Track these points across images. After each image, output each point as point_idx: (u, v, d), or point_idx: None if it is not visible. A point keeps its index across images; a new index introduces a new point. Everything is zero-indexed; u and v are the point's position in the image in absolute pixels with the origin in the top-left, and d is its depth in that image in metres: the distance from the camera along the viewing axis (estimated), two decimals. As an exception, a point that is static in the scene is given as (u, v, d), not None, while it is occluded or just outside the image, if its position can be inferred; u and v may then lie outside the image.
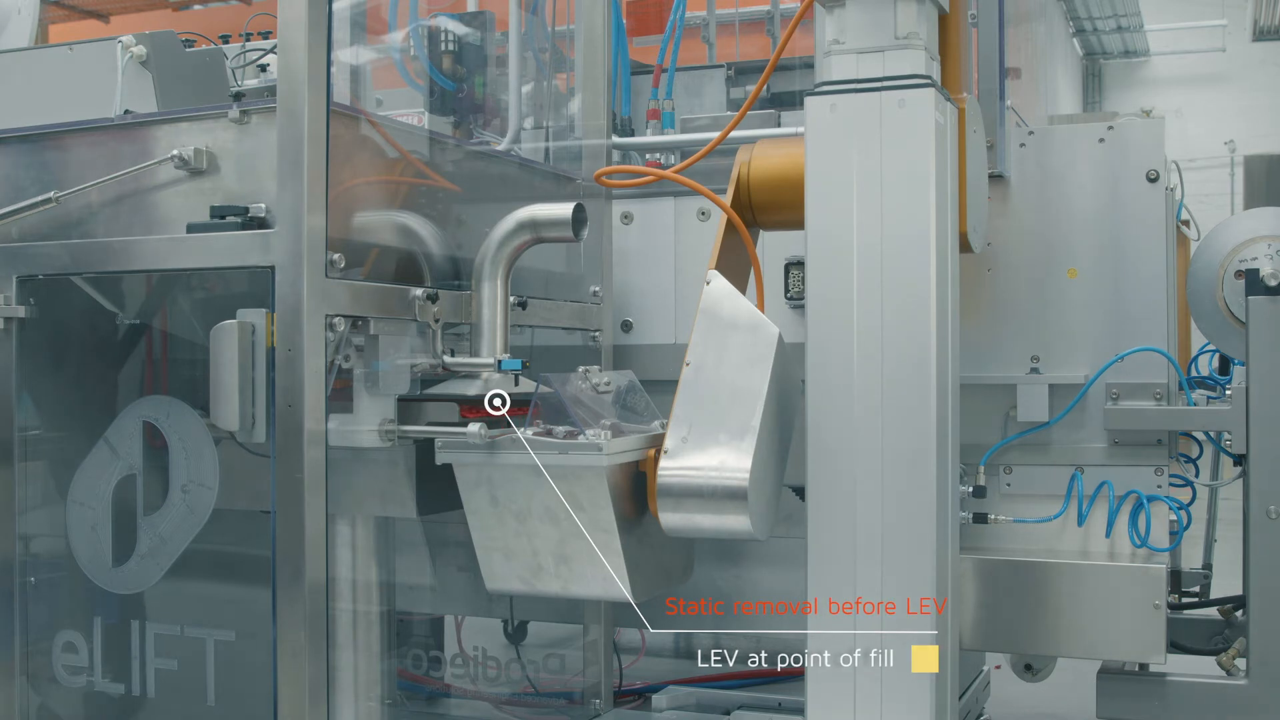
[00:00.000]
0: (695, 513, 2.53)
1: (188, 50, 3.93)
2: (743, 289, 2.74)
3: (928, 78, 2.48)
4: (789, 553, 3.52)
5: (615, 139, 3.39)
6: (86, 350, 2.72)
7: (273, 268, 2.25)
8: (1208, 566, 3.80)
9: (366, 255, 2.46)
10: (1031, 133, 3.35)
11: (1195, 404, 3.25)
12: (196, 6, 9.76)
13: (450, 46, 3.66)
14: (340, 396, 2.43)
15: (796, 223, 2.60)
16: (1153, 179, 3.24)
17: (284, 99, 2.25)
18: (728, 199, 2.82)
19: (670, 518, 2.54)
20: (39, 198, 2.50)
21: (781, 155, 2.81)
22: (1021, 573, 3.14)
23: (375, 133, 2.55)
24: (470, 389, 2.53)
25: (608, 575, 2.56)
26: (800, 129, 2.56)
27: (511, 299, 2.70)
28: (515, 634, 4.34)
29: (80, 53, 3.92)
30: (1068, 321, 3.26)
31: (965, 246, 2.79)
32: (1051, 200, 3.29)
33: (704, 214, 3.36)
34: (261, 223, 2.32)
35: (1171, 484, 3.24)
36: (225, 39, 4.20)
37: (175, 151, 2.39)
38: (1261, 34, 13.65)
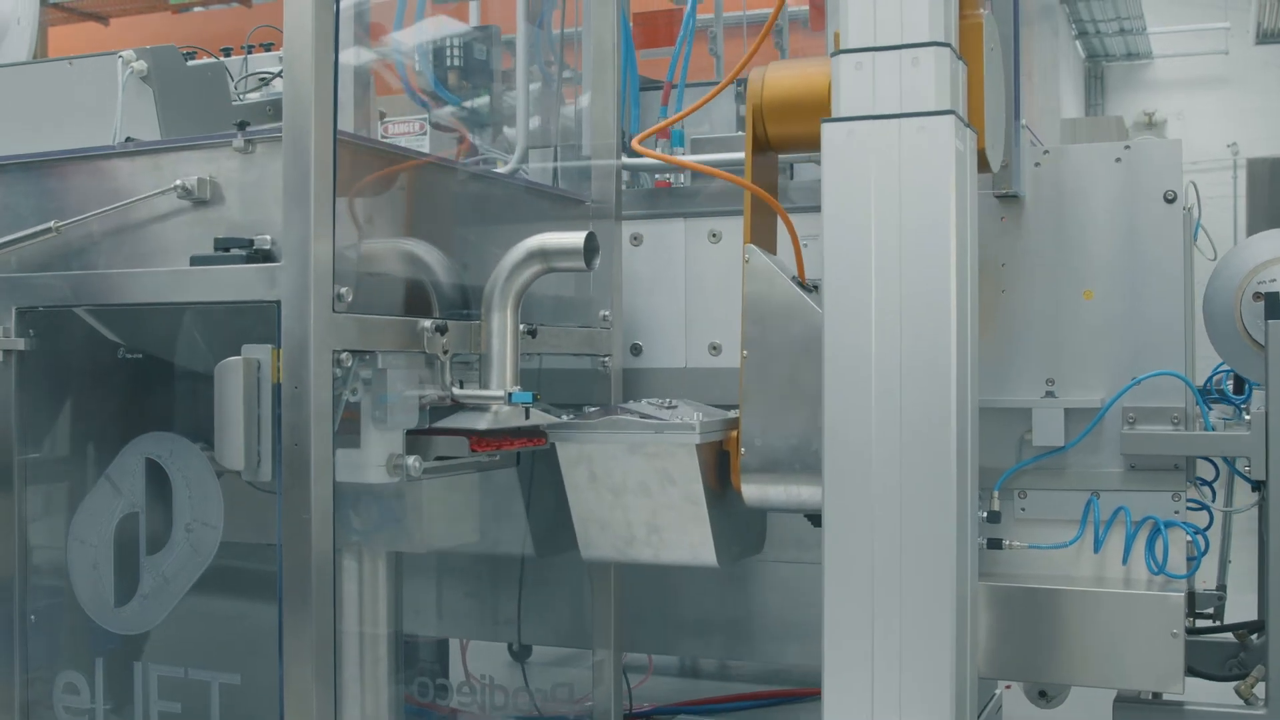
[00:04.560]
0: (772, 485, 2.79)
1: (189, 65, 3.87)
2: (772, 248, 2.84)
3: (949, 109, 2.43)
4: (800, 578, 3.49)
5: (625, 159, 3.34)
6: (88, 384, 2.67)
7: (278, 303, 2.19)
8: (1222, 588, 3.76)
9: (374, 287, 2.41)
10: (1047, 152, 3.30)
11: (1214, 428, 3.20)
12: (197, 9, 9.69)
13: (455, 61, 3.61)
14: (346, 428, 2.38)
15: (812, 140, 2.65)
16: (1170, 199, 3.19)
17: (290, 129, 2.20)
18: (746, 128, 2.84)
19: (751, 491, 2.80)
20: (39, 227, 2.44)
21: (794, 72, 2.83)
22: (1037, 600, 3.10)
23: (383, 161, 2.50)
24: (480, 422, 2.48)
25: (696, 544, 2.81)
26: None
27: (521, 327, 2.65)
28: (520, 652, 4.30)
29: (80, 67, 3.86)
30: (1083, 344, 3.21)
31: (984, 166, 2.74)
32: (1067, 220, 3.24)
33: (715, 236, 3.31)
34: (267, 255, 2.27)
35: (1188, 507, 3.20)
36: (227, 52, 4.14)
37: (178, 182, 2.34)
38: (1265, 37, 13.59)
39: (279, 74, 3.11)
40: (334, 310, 2.23)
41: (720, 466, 2.85)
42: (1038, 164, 3.28)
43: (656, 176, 3.61)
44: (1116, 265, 3.20)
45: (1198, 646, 3.36)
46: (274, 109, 4.14)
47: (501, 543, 3.24)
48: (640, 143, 2.96)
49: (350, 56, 3.82)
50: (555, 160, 3.37)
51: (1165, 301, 3.17)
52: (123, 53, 3.73)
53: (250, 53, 4.24)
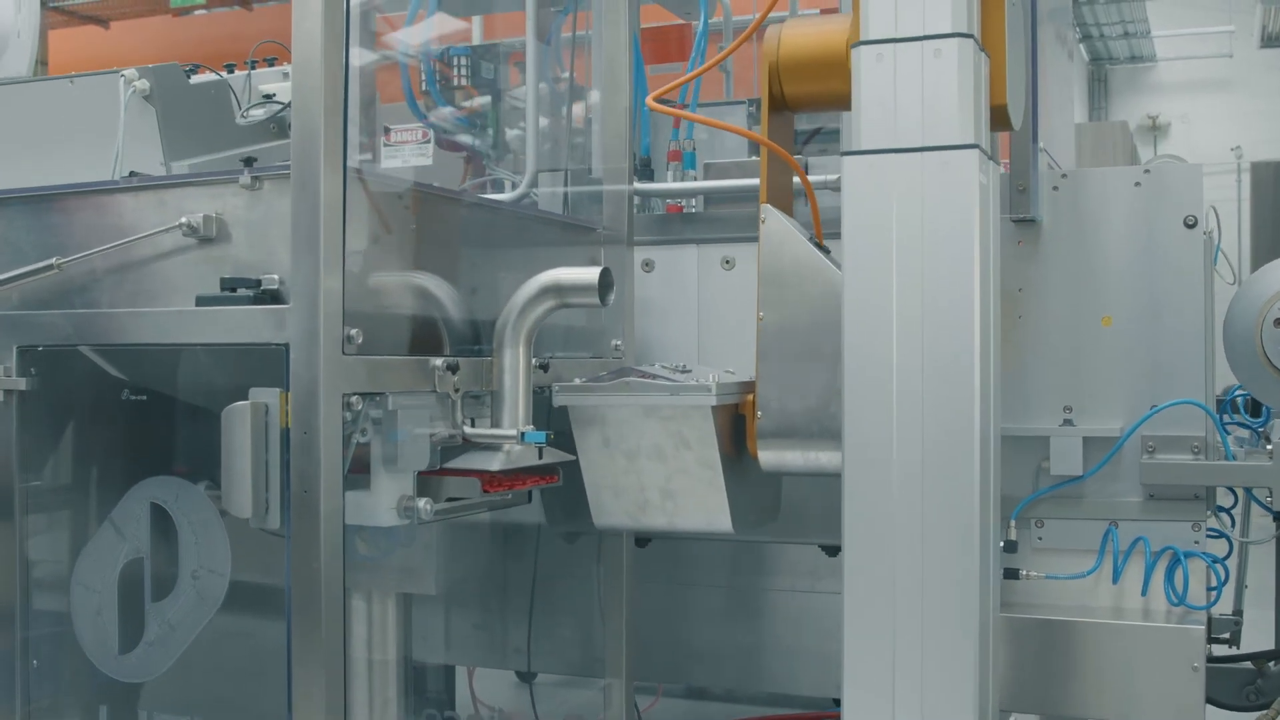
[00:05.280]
0: (789, 450, 2.73)
1: (192, 83, 3.82)
2: (788, 209, 2.79)
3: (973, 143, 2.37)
4: (812, 608, 3.45)
5: (637, 184, 3.28)
6: (91, 424, 2.61)
7: (287, 345, 2.14)
8: (1238, 613, 3.71)
9: (384, 325, 2.36)
10: (1065, 176, 3.25)
11: (1234, 457, 3.15)
12: (199, 12, 9.60)
13: (463, 81, 3.55)
14: (356, 469, 2.33)
15: (828, 97, 2.61)
16: (1190, 225, 3.14)
17: (298, 168, 2.14)
18: (761, 87, 2.78)
19: (768, 456, 2.74)
20: (40, 264, 2.39)
21: (810, 29, 2.77)
22: (1054, 631, 3.05)
23: (393, 195, 2.44)
24: (493, 462, 2.42)
25: (711, 509, 2.75)
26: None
27: (533, 361, 2.59)
28: (528, 673, 4.26)
29: (81, 86, 3.81)
30: (1102, 371, 3.17)
31: (1004, 123, 2.67)
32: (1085, 245, 3.19)
33: (728, 262, 3.25)
34: (275, 295, 2.21)
35: (1206, 535, 3.15)
36: (230, 68, 4.08)
37: (184, 219, 2.28)
38: (1269, 40, 13.53)
39: (287, 105, 3.05)
40: (344, 353, 2.17)
41: (736, 431, 2.79)
42: (1055, 188, 3.23)
43: (668, 201, 3.55)
44: (1136, 291, 3.15)
45: (1213, 673, 3.31)
46: (278, 127, 4.09)
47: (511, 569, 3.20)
48: (656, 99, 2.85)
49: (355, 57, 3.75)
50: (566, 185, 3.31)
51: (1185, 328, 3.12)
52: (125, 71, 3.68)
53: (254, 68, 4.18)
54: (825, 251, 2.75)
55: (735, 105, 3.84)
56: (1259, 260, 8.14)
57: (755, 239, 2.78)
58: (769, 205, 2.74)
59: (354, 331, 2.19)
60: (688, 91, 3.60)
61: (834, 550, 3.29)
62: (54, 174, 3.87)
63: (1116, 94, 15.02)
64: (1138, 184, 3.17)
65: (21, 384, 2.43)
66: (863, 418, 2.46)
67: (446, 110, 3.63)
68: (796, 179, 2.89)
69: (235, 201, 2.29)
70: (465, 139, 3.73)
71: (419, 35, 3.67)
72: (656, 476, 2.76)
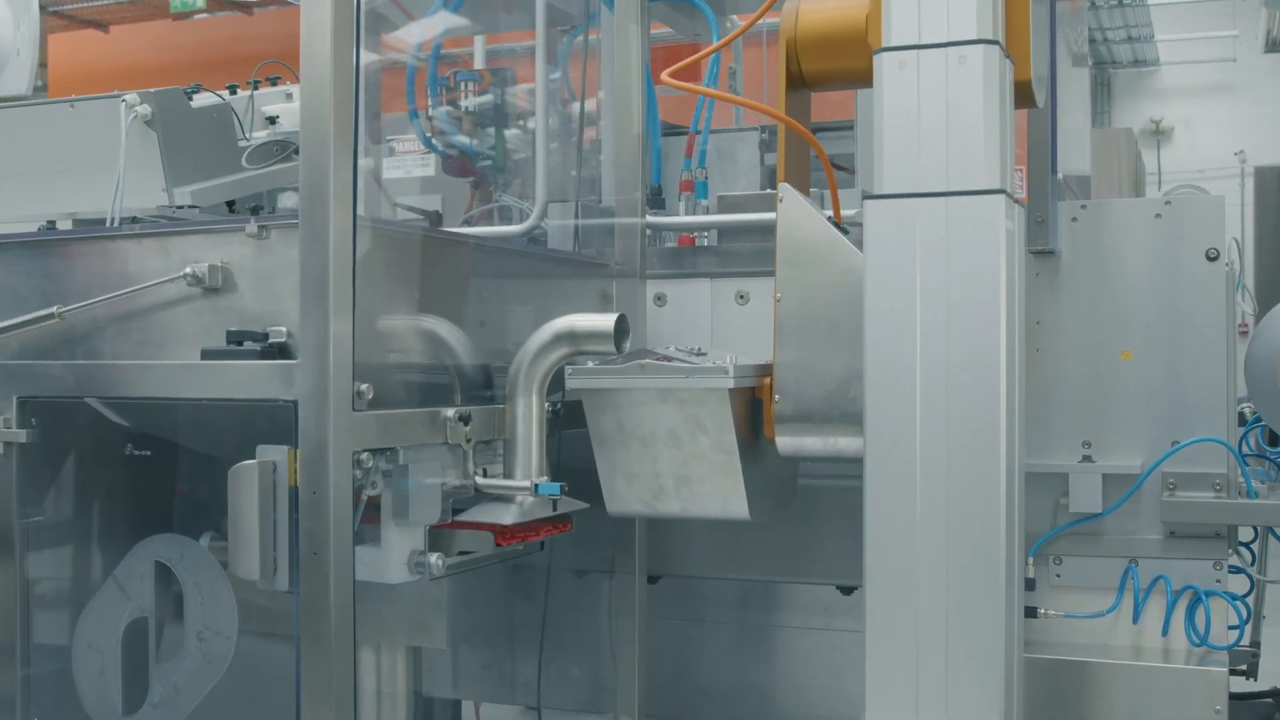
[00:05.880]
0: (807, 434, 2.64)
1: (194, 107, 3.75)
2: (805, 189, 2.72)
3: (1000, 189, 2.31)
4: (826, 645, 3.40)
5: (650, 218, 3.21)
6: (93, 479, 2.54)
7: (295, 403, 2.08)
8: (1255, 644, 3.66)
9: (394, 378, 2.29)
10: (1084, 206, 3.19)
11: (1256, 495, 3.10)
12: (198, 16, 9.52)
13: (470, 106, 3.49)
14: (366, 524, 2.27)
15: (846, 74, 2.55)
16: (1212, 257, 3.08)
17: (307, 219, 2.07)
18: (779, 64, 2.71)
19: (786, 441, 2.66)
20: (41, 312, 2.32)
21: (828, 5, 2.69)
22: (1072, 672, 3.01)
23: (403, 243, 2.38)
24: (506, 515, 2.36)
25: (727, 495, 2.67)
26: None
27: (545, 405, 2.53)
28: (536, 709, 4.19)
29: (82, 110, 3.75)
30: (1121, 406, 3.11)
31: (1028, 100, 2.59)
32: (1105, 278, 3.13)
33: (742, 297, 3.19)
34: (282, 349, 2.15)
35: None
36: (233, 89, 4.02)
37: (188, 269, 2.22)
38: (1273, 45, 13.47)
39: (295, 149, 2.98)
40: (354, 409, 2.11)
41: (753, 415, 2.72)
42: (1074, 219, 3.18)
43: (680, 234, 3.49)
44: (1156, 325, 3.09)
45: (1231, 707, 3.26)
46: (281, 149, 4.03)
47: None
48: (670, 75, 2.75)
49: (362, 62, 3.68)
50: (576, 217, 3.24)
51: (1207, 363, 3.07)
52: (126, 96, 3.61)
53: (256, 88, 4.12)
54: (844, 232, 2.69)
55: (748, 132, 3.78)
56: (1262, 264, 8.11)
57: (771, 274, 2.72)
58: (787, 184, 2.66)
59: (364, 387, 2.12)
60: (700, 116, 3.53)
61: (849, 589, 3.23)
62: (54, 199, 3.82)
63: (1119, 98, 14.96)
64: (1158, 215, 3.12)
65: (22, 436, 2.36)
66: (887, 470, 2.40)
67: (453, 136, 3.57)
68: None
69: (241, 250, 2.23)
70: (472, 165, 3.66)
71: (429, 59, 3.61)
72: (671, 462, 2.68)
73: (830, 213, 2.79)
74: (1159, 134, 14.52)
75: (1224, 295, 3.08)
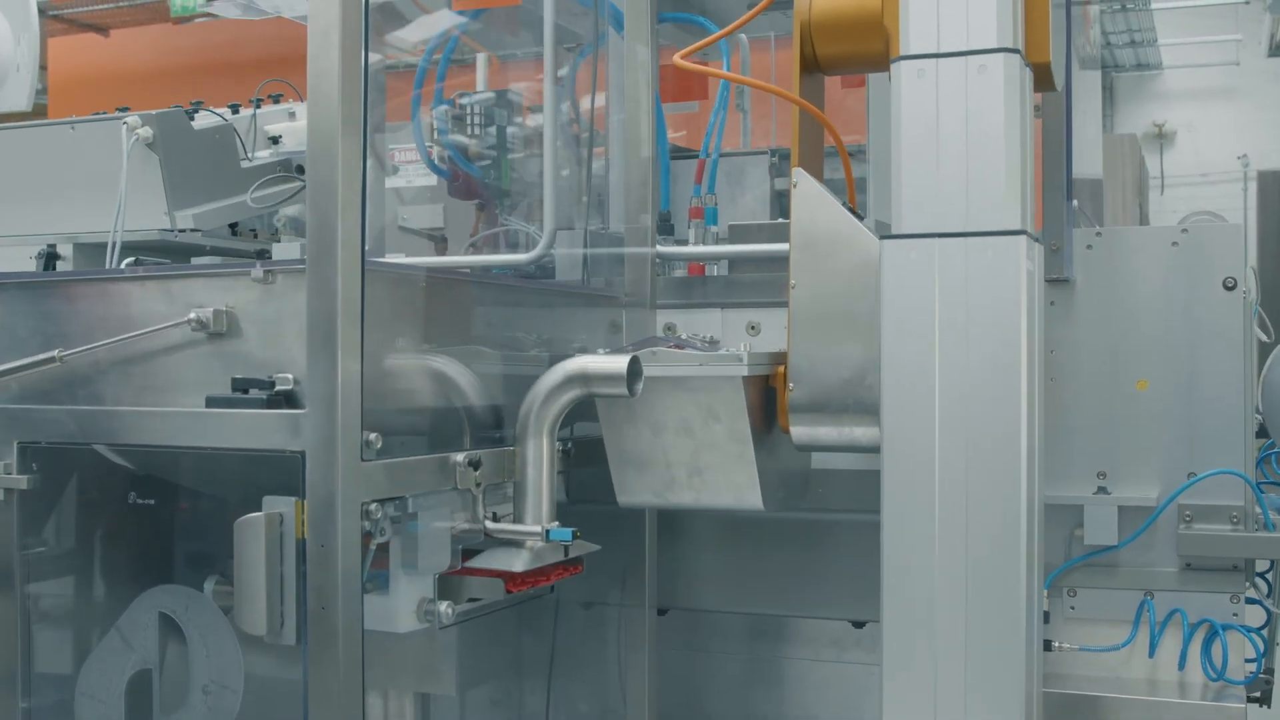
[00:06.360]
0: (822, 424, 2.59)
1: (196, 129, 3.70)
2: (819, 174, 2.68)
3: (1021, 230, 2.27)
4: (836, 678, 3.35)
5: (660, 247, 3.16)
6: (96, 526, 2.49)
7: (303, 453, 2.03)
8: (1269, 672, 3.62)
9: (403, 424, 2.25)
10: (1099, 234, 3.15)
11: (1275, 527, 3.06)
12: (199, 20, 9.41)
13: (475, 130, 3.44)
14: (375, 571, 2.22)
15: (860, 58, 2.52)
16: (1230, 287, 3.04)
17: (314, 265, 2.02)
18: (793, 47, 2.67)
19: (800, 430, 2.60)
20: (41, 356, 2.27)
21: None
22: (1088, 707, 2.97)
23: (412, 285, 2.34)
24: (516, 562, 2.31)
25: (741, 486, 2.62)
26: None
27: (555, 444, 2.49)
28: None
29: (82, 132, 3.70)
30: (1137, 436, 3.07)
31: (1048, 83, 2.55)
32: (1120, 306, 3.09)
33: (754, 328, 3.14)
34: (289, 397, 2.10)
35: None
36: (235, 108, 3.96)
37: (193, 314, 2.17)
38: (1276, 49, 13.44)
39: (302, 187, 2.93)
40: (362, 459, 2.06)
41: (766, 404, 2.67)
42: (1089, 246, 3.13)
43: (689, 264, 3.44)
44: (1173, 354, 3.05)
45: (1245, 738, 3.23)
46: (284, 169, 3.98)
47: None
48: (684, 58, 2.73)
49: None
50: (585, 246, 3.19)
51: (1224, 393, 3.02)
52: (127, 119, 3.56)
53: (259, 107, 4.06)
54: (860, 217, 2.64)
55: (759, 155, 3.73)
56: (1266, 270, 8.07)
57: (784, 304, 2.68)
58: (801, 170, 2.61)
59: (373, 436, 2.07)
60: (710, 140, 3.48)
61: (861, 622, 3.19)
62: (54, 221, 3.77)
63: (1122, 102, 14.92)
64: (1175, 244, 3.08)
65: (23, 482, 2.31)
66: (905, 507, 2.36)
67: (459, 159, 3.52)
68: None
69: (247, 295, 2.17)
70: (478, 187, 3.61)
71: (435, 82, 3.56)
72: (684, 452, 2.62)
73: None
74: (1161, 138, 14.48)
75: (1241, 325, 3.04)
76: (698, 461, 2.63)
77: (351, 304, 2.01)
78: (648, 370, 2.54)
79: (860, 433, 2.55)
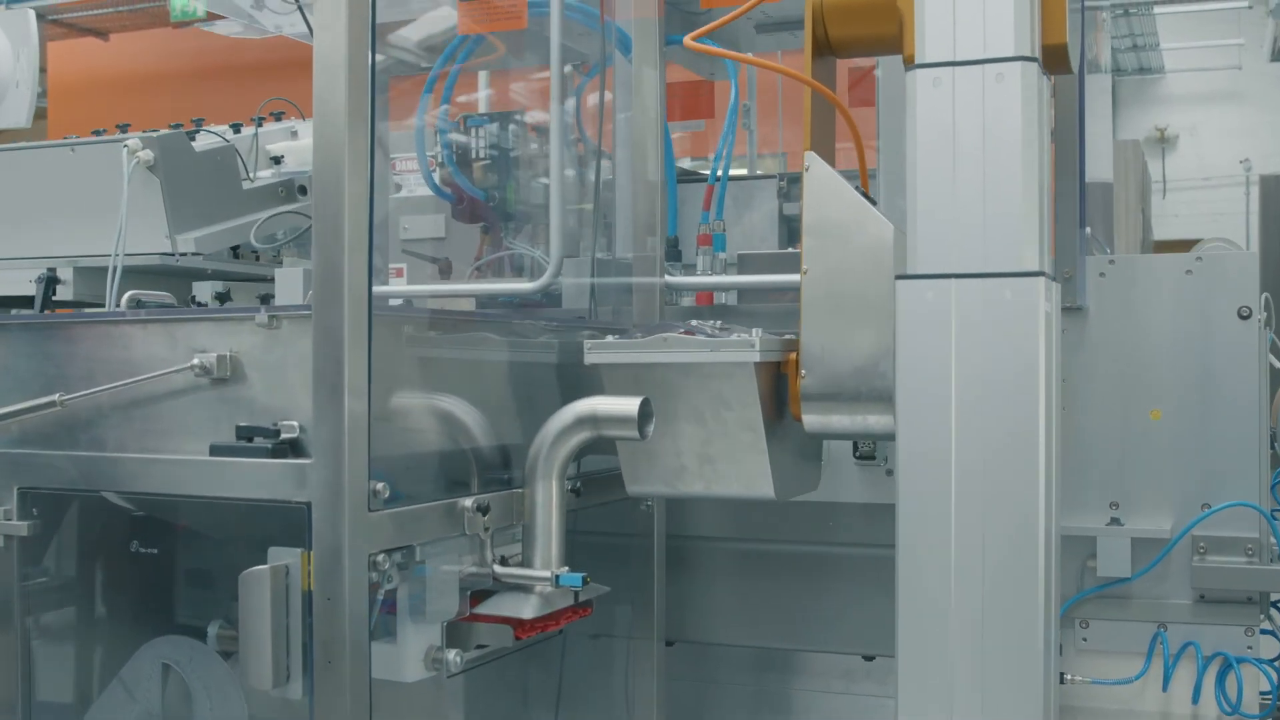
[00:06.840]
0: (835, 411, 2.54)
1: (197, 150, 3.67)
2: (831, 158, 2.63)
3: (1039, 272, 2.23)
4: (846, 710, 3.32)
5: (669, 277, 3.12)
6: (97, 574, 2.45)
7: (309, 504, 1.99)
8: (1281, 698, 3.59)
9: (410, 471, 2.21)
10: (1113, 261, 3.11)
11: (1291, 560, 3.03)
12: (199, 24, 9.35)
13: (480, 153, 3.40)
14: (382, 619, 2.18)
15: (874, 40, 2.50)
16: (1245, 315, 3.01)
17: (320, 312, 1.98)
18: (805, 29, 2.63)
19: (812, 418, 2.56)
20: (42, 400, 2.23)
21: None
22: (1100, 742, 2.94)
23: (419, 329, 2.30)
24: (525, 608, 2.27)
25: (752, 474, 2.57)
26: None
27: (564, 485, 2.45)
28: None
29: (82, 154, 3.66)
30: (1150, 467, 3.04)
31: (1063, 64, 2.48)
32: (1134, 335, 3.06)
33: (763, 356, 3.10)
34: (294, 444, 2.06)
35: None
36: (237, 128, 3.93)
37: (196, 360, 2.13)
38: (1279, 54, 13.38)
39: (309, 226, 2.89)
40: (370, 509, 2.02)
41: (778, 392, 2.62)
42: (1102, 274, 3.10)
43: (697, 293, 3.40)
44: (1186, 384, 3.02)
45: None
46: (285, 190, 3.95)
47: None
48: (696, 39, 2.67)
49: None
50: (592, 275, 3.14)
51: (1238, 423, 2.99)
52: (128, 141, 3.53)
53: (260, 125, 4.03)
54: (872, 202, 2.59)
55: (767, 180, 3.69)
56: (1268, 274, 8.02)
57: (795, 335, 2.64)
58: (813, 153, 2.56)
59: (380, 486, 2.03)
60: (719, 161, 3.44)
61: (871, 655, 3.15)
62: (54, 244, 3.74)
63: (1124, 106, 14.86)
64: (1189, 271, 3.05)
65: (23, 529, 2.27)
66: (921, 544, 2.32)
67: (464, 183, 3.47)
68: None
69: (251, 340, 2.13)
70: (482, 210, 3.57)
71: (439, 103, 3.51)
72: (694, 440, 2.58)
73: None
74: (1164, 142, 14.44)
75: (1256, 354, 3.01)
76: (708, 450, 2.59)
77: (358, 351, 1.97)
78: (657, 357, 2.50)
79: (874, 420, 2.50)
